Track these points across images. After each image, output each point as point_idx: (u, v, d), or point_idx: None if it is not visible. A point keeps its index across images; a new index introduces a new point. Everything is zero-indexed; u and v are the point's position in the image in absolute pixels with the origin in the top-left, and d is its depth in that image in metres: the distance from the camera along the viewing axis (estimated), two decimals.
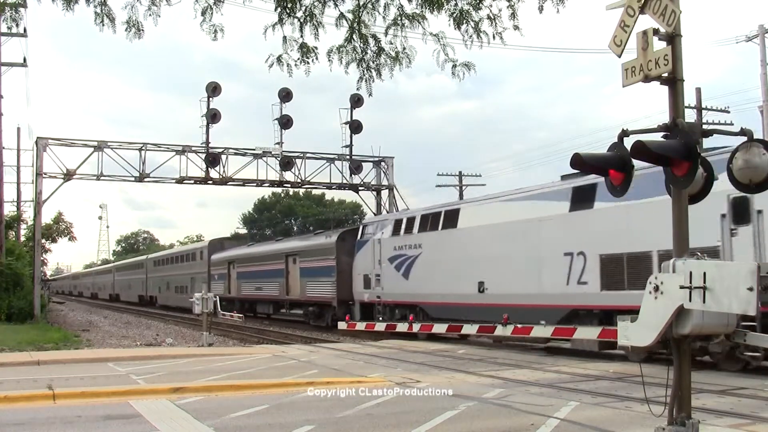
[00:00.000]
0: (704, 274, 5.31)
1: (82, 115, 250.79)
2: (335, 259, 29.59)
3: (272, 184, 39.00)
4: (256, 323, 35.69)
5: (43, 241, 46.11)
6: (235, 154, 36.42)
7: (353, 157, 37.71)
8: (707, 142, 16.51)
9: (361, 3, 9.82)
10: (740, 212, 13.58)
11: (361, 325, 24.53)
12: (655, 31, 5.98)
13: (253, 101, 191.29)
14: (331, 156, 38.05)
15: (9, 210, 44.22)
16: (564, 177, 18.60)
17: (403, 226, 24.83)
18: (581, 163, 6.10)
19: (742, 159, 5.92)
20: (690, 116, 30.71)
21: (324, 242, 31.73)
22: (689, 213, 5.98)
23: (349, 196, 69.35)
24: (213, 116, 34.52)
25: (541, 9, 9.25)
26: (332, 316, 29.45)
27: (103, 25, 9.43)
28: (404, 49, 10.06)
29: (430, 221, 23.39)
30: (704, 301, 5.29)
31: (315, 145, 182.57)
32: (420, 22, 9.75)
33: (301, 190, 70.69)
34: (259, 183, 37.89)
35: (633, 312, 5.99)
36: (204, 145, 35.07)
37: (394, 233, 25.29)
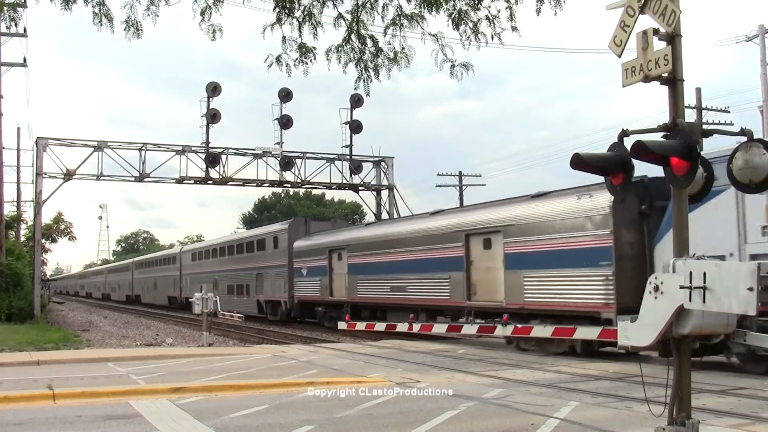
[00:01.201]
0: (704, 274, 5.31)
1: (82, 115, 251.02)
2: (612, 237, 15.67)
3: (272, 184, 39.04)
4: (257, 323, 35.44)
5: (43, 241, 46.09)
6: (235, 154, 36.44)
7: (353, 157, 37.73)
8: (707, 142, 16.45)
9: (360, 3, 9.82)
10: None
11: (361, 325, 24.52)
12: (655, 31, 5.98)
13: (253, 101, 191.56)
14: (331, 156, 38.07)
15: (9, 210, 44.27)
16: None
17: None
18: (581, 163, 6.10)
19: (742, 159, 5.92)
20: (690, 116, 30.70)
21: (584, 206, 16.53)
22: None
23: (349, 196, 69.53)
24: (213, 116, 34.55)
25: (538, 11, 9.27)
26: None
27: (101, 24, 9.45)
28: (403, 49, 10.09)
29: None
30: (704, 301, 5.29)
31: (315, 145, 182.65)
32: (419, 22, 9.76)
33: (301, 190, 70.74)
34: (259, 183, 37.93)
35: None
36: (204, 145, 35.10)
37: None
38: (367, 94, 10.58)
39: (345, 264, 27.74)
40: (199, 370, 14.41)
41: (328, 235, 30.70)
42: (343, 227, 33.56)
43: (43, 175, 33.83)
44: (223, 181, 36.31)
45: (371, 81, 10.22)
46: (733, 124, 33.03)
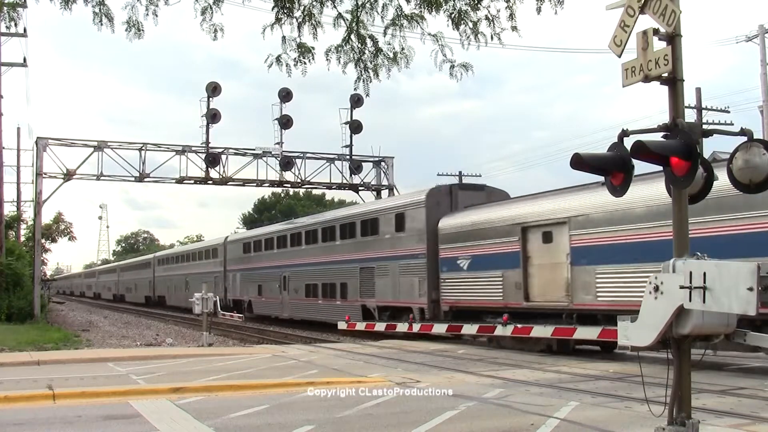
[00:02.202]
0: (704, 274, 5.30)
1: (82, 115, 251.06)
2: None
3: (272, 184, 39.05)
4: (257, 323, 35.38)
5: (43, 241, 46.11)
6: (235, 154, 36.46)
7: (353, 157, 37.74)
8: (707, 142, 16.44)
9: (360, 3, 9.82)
10: None
11: (361, 325, 24.51)
12: (655, 31, 5.98)
13: (253, 101, 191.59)
14: (331, 156, 38.08)
15: (9, 210, 44.29)
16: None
17: None
18: (581, 163, 6.10)
19: (742, 159, 5.92)
20: (690, 116, 30.70)
21: None
22: None
23: (349, 196, 69.33)
24: (213, 116, 34.58)
25: (539, 10, 9.27)
26: None
27: (101, 24, 9.46)
28: (402, 49, 10.09)
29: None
30: (704, 301, 5.29)
31: (315, 145, 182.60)
32: (419, 23, 9.77)
33: (301, 190, 70.71)
34: (259, 183, 37.93)
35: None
36: (204, 145, 35.12)
37: None
38: (367, 94, 10.60)
39: (562, 247, 17.60)
40: (199, 370, 14.41)
41: (517, 205, 20.08)
42: (532, 196, 20.20)
43: (43, 175, 33.84)
44: (223, 181, 36.32)
45: (371, 81, 10.24)
46: (733, 124, 33.02)
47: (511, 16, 9.53)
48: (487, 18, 9.61)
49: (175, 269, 54.43)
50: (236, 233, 46.12)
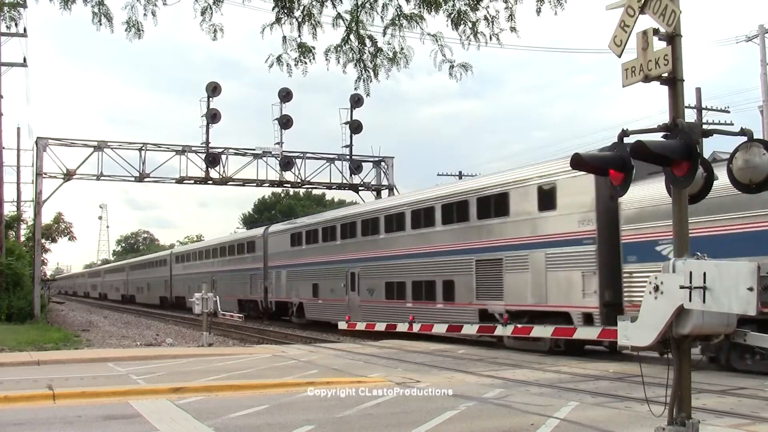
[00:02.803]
0: (704, 274, 5.30)
1: (81, 115, 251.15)
2: None
3: (272, 184, 39.07)
4: (260, 324, 34.91)
5: (43, 241, 46.11)
6: (235, 154, 36.48)
7: (353, 157, 37.77)
8: (707, 142, 16.38)
9: (359, 3, 9.82)
10: None
11: (361, 325, 24.49)
12: (655, 31, 5.98)
13: (253, 101, 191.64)
14: (331, 156, 38.10)
15: (9, 210, 44.29)
16: None
17: None
18: (581, 163, 6.10)
19: (742, 159, 5.91)
20: (690, 116, 30.71)
21: None
22: None
23: (349, 196, 69.36)
24: (213, 116, 34.61)
25: (538, 11, 9.27)
26: None
27: (100, 24, 9.45)
28: (402, 49, 10.08)
29: None
30: (704, 301, 5.28)
31: (315, 145, 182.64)
32: (418, 22, 9.76)
33: (301, 190, 70.75)
34: (259, 183, 37.95)
35: None
36: (204, 145, 35.15)
37: None
38: (367, 94, 10.59)
39: None
40: (199, 370, 14.41)
41: None
42: None
43: (43, 175, 33.85)
44: (223, 181, 36.33)
45: (371, 81, 10.23)
46: (733, 124, 33.05)
47: (511, 17, 9.53)
48: (486, 18, 9.60)
49: (197, 266, 47.88)
50: (281, 224, 38.48)
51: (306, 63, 10.04)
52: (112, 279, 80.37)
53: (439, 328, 20.59)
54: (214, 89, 34.48)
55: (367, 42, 10.05)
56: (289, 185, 40.77)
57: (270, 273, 35.50)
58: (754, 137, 5.98)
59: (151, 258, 66.80)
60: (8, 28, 24.02)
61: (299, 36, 9.91)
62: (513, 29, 9.62)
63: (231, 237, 47.18)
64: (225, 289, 38.99)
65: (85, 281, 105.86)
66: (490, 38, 9.67)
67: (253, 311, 37.14)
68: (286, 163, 36.62)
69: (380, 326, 23.32)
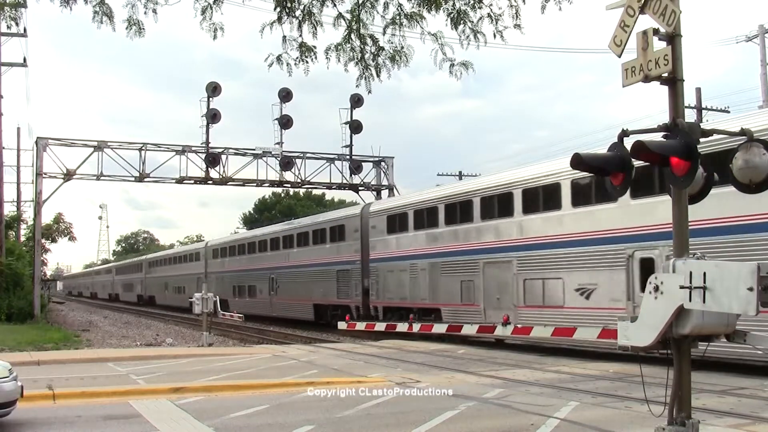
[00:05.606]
0: (704, 274, 5.30)
1: (81, 114, 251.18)
2: None
3: (272, 184, 39.06)
4: (259, 324, 35.21)
5: (43, 241, 46.10)
6: (235, 154, 36.48)
7: (353, 157, 37.76)
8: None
9: (360, 2, 9.82)
10: None
11: (361, 325, 24.49)
12: (655, 31, 5.97)
13: (253, 101, 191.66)
14: (331, 156, 38.09)
15: (9, 210, 44.29)
16: None
17: None
18: (581, 163, 6.09)
19: (742, 159, 5.90)
20: (690, 116, 30.71)
21: None
22: None
23: (349, 196, 69.38)
24: (213, 116, 34.61)
25: (543, 9, 9.26)
26: None
27: (101, 22, 9.46)
28: (402, 48, 10.08)
29: None
30: (704, 301, 5.28)
31: (315, 145, 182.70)
32: (418, 22, 9.76)
33: (301, 190, 70.68)
34: (259, 183, 37.95)
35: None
36: (204, 145, 35.15)
37: None
38: (369, 92, 10.61)
39: None
40: (199, 370, 14.41)
41: None
42: None
43: (43, 175, 33.85)
44: (223, 181, 36.32)
45: (372, 80, 10.24)
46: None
47: (516, 15, 9.54)
48: (489, 16, 9.61)
49: (246, 261, 38.30)
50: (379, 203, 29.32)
51: (307, 62, 10.06)
52: (126, 278, 71.43)
53: (439, 328, 20.64)
54: (214, 89, 34.49)
55: (369, 41, 10.06)
56: (289, 185, 40.77)
57: (371, 270, 26.41)
58: (754, 137, 5.98)
59: (178, 252, 57.27)
60: (8, 27, 24.00)
61: (300, 35, 9.92)
62: (517, 26, 9.64)
63: (304, 221, 36.09)
64: (292, 289, 31.37)
65: (92, 280, 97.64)
66: (494, 36, 9.70)
67: (321, 318, 29.54)
68: (286, 163, 36.62)
69: (380, 326, 23.38)
